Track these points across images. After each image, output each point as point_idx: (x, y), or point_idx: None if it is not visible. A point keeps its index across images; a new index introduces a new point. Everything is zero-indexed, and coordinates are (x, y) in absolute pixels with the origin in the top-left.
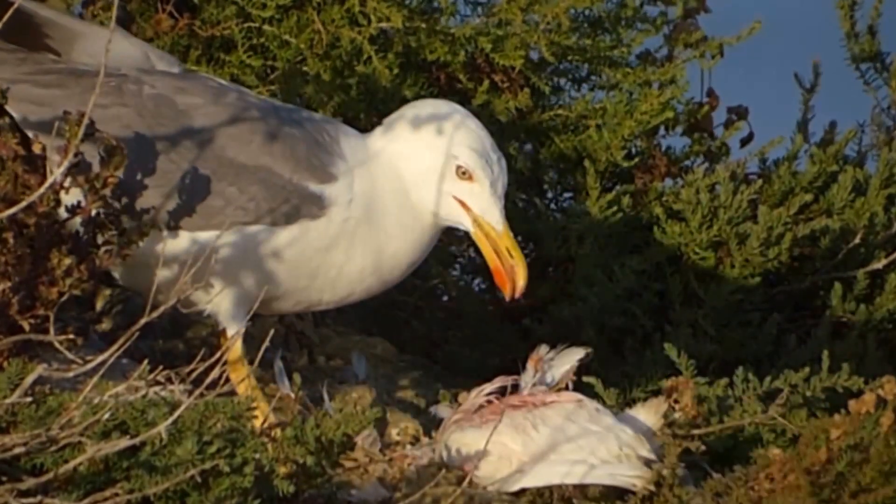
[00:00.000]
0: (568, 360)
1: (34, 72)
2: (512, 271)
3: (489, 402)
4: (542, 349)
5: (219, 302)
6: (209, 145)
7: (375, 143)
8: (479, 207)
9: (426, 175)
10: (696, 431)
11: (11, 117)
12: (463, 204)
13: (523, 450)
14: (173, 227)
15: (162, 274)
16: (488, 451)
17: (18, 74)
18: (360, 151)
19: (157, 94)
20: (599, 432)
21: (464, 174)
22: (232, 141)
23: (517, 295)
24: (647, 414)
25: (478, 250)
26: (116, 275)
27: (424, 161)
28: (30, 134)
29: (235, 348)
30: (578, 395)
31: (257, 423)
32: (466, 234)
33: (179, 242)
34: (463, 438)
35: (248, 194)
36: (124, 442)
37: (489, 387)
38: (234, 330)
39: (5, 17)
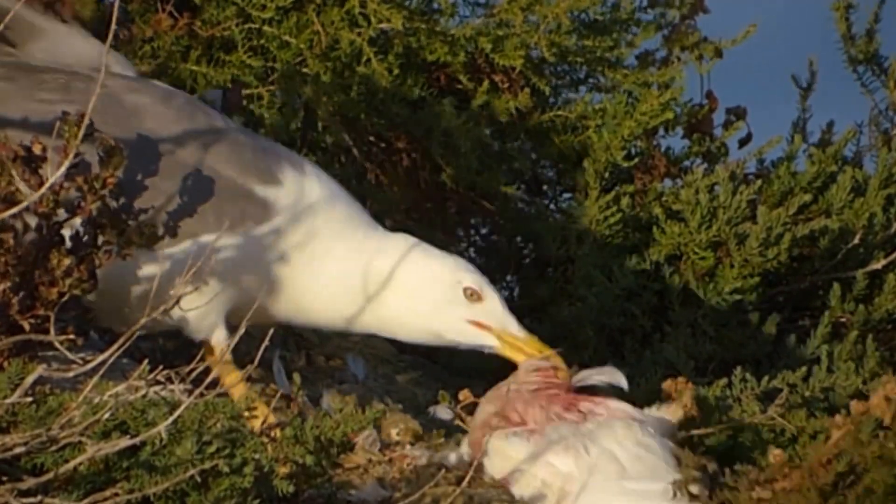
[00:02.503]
0: (599, 379)
1: None
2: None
3: (536, 389)
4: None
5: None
6: (157, 146)
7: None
8: (498, 322)
9: (436, 306)
10: (695, 431)
11: None
12: (480, 325)
13: (571, 472)
14: None
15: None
16: (533, 473)
17: None
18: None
19: (106, 94)
20: (648, 458)
21: (472, 295)
22: (179, 142)
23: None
24: (673, 415)
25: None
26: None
27: (433, 292)
28: None
29: (220, 355)
30: (626, 408)
31: (256, 425)
32: (465, 234)
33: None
34: (506, 449)
35: (195, 197)
36: (124, 442)
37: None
38: (215, 337)
39: None
